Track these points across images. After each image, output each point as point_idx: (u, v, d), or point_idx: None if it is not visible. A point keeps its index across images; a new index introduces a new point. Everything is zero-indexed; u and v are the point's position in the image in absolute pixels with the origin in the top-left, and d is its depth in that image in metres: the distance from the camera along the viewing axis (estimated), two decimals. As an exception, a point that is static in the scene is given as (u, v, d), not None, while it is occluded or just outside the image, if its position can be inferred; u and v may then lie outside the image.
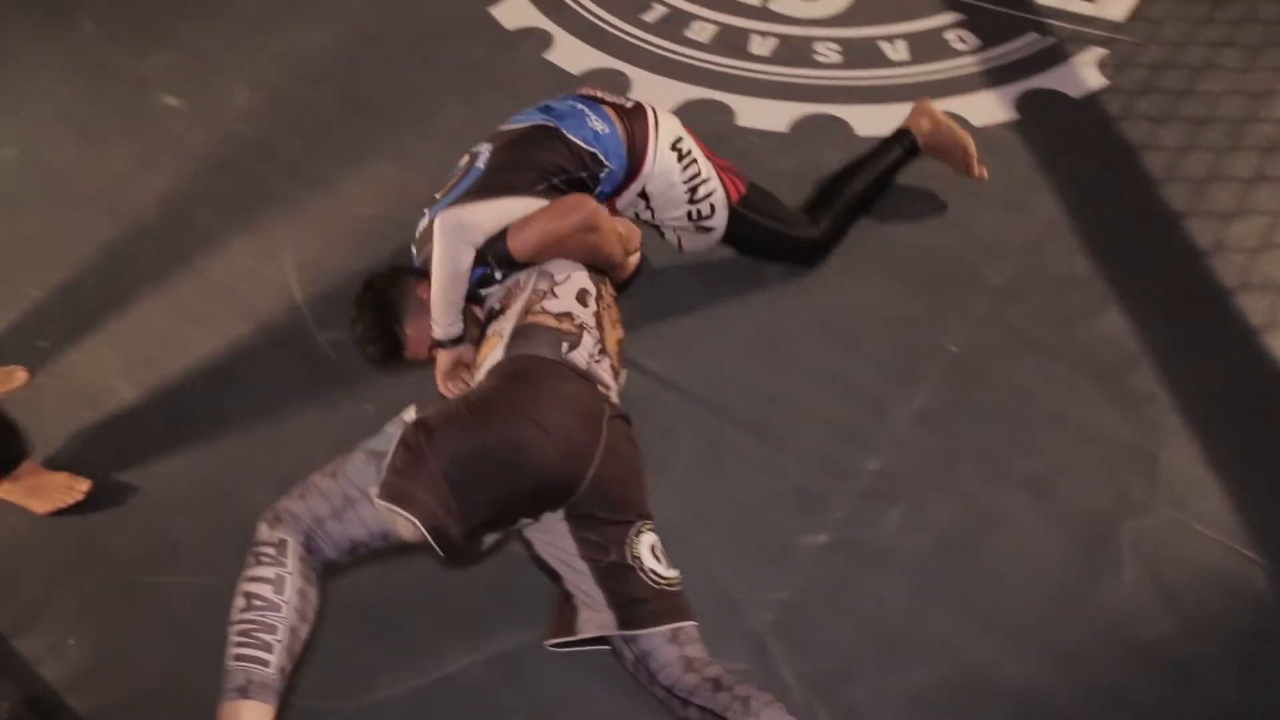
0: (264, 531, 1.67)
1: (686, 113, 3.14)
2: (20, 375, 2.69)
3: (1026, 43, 3.26)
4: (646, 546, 1.92)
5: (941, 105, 3.07)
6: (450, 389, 2.28)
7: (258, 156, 3.18)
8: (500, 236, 2.13)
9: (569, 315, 2.05)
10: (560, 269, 2.15)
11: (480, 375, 2.01)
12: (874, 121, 3.06)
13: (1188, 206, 2.74)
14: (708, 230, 2.51)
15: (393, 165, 3.08)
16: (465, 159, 2.31)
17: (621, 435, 1.97)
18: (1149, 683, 1.95)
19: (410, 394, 2.15)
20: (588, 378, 1.98)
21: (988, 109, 3.07)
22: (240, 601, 1.61)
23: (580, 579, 1.92)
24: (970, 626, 2.05)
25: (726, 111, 3.15)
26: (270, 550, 1.65)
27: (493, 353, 2.01)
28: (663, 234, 2.59)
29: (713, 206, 2.45)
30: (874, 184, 2.70)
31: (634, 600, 1.87)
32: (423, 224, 2.28)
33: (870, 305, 2.60)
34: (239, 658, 1.57)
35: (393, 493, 1.68)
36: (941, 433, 2.35)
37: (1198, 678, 1.94)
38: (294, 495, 1.72)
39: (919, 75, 3.21)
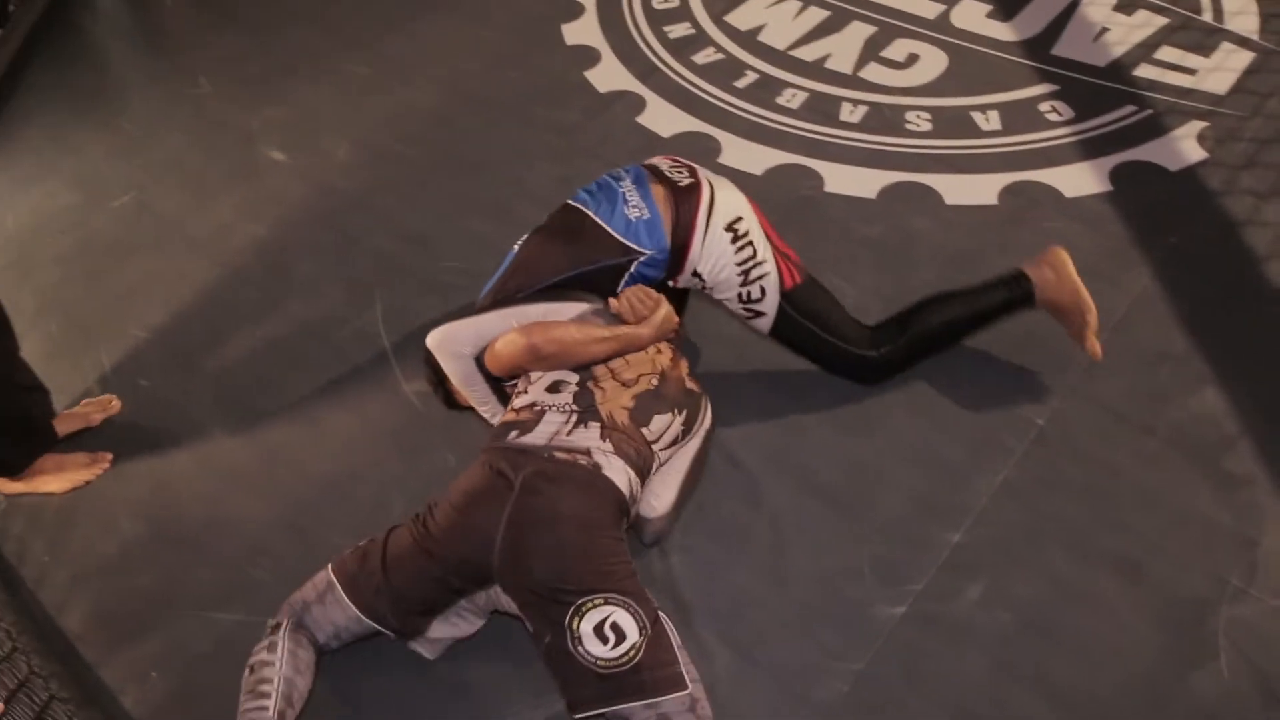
0: (268, 625, 2.05)
1: (775, 177, 3.16)
2: (115, 404, 2.80)
3: (1123, 114, 3.22)
4: (591, 626, 1.83)
5: (1034, 176, 3.05)
6: None
7: (355, 210, 3.29)
8: (482, 356, 2.27)
9: (530, 405, 2.14)
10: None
11: None
12: (963, 191, 3.05)
13: (1291, 284, 2.66)
14: (758, 315, 2.40)
15: (484, 222, 3.15)
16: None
17: (549, 511, 1.92)
18: (1243, 780, 1.86)
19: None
20: (530, 453, 2.00)
21: (1081, 180, 3.03)
22: (245, 673, 1.97)
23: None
24: (1050, 710, 1.98)
25: (815, 177, 3.16)
26: (268, 632, 2.02)
27: None
28: None
29: (763, 290, 2.35)
30: (966, 321, 2.46)
31: (574, 684, 1.84)
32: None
33: (956, 376, 2.56)
34: (246, 712, 1.90)
35: (344, 581, 2.04)
36: (1026, 507, 2.29)
37: (1296, 778, 1.85)
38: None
39: (1011, 145, 3.19)
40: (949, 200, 3.03)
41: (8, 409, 2.52)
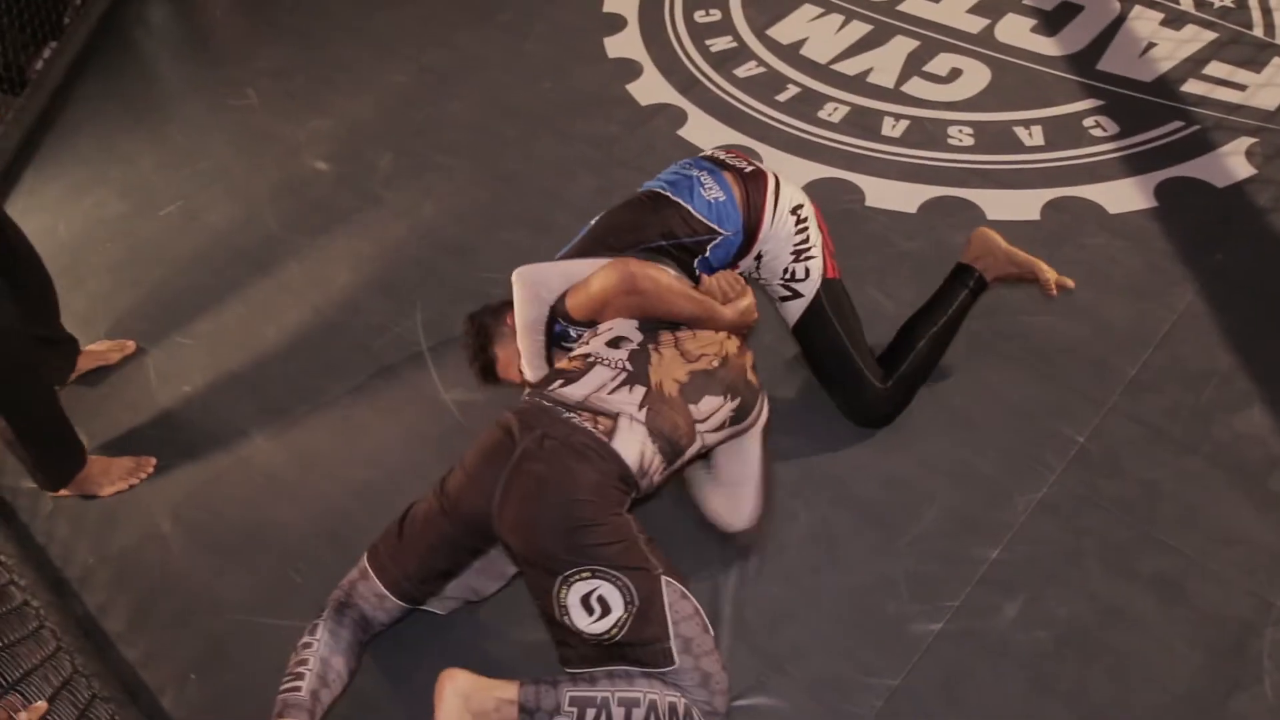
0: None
1: (816, 190, 3.16)
2: (129, 345, 2.98)
3: (1170, 130, 3.19)
4: (577, 597, 1.86)
5: (1077, 192, 3.03)
6: None
7: (397, 220, 3.32)
8: (565, 296, 2.25)
9: (584, 356, 2.11)
10: (616, 323, 2.21)
11: None
12: (1006, 206, 3.03)
13: (1340, 303, 2.62)
14: (795, 295, 2.41)
15: (524, 232, 3.18)
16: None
17: (540, 483, 1.91)
18: (1287, 807, 1.82)
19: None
20: (569, 407, 1.99)
21: (1126, 196, 3.00)
22: (292, 655, 2.02)
23: None
24: (1090, 731, 1.96)
25: (856, 191, 3.15)
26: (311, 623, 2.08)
27: None
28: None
29: (808, 270, 2.38)
30: (945, 330, 2.49)
31: (564, 643, 1.92)
32: None
33: (996, 392, 2.55)
34: (280, 692, 1.95)
35: (372, 556, 2.12)
36: (1065, 525, 2.27)
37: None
38: None
39: (1054, 161, 3.16)
40: (991, 215, 3.01)
41: (53, 431, 2.58)
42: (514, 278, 2.29)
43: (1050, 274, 2.43)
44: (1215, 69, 3.37)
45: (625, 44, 3.91)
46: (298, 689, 1.94)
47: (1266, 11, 3.58)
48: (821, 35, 3.79)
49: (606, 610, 1.84)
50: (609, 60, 3.85)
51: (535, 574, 1.91)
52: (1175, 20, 3.59)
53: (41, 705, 1.85)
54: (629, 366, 2.06)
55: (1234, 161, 3.04)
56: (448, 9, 4.23)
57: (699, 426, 2.06)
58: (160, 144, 3.81)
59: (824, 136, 3.38)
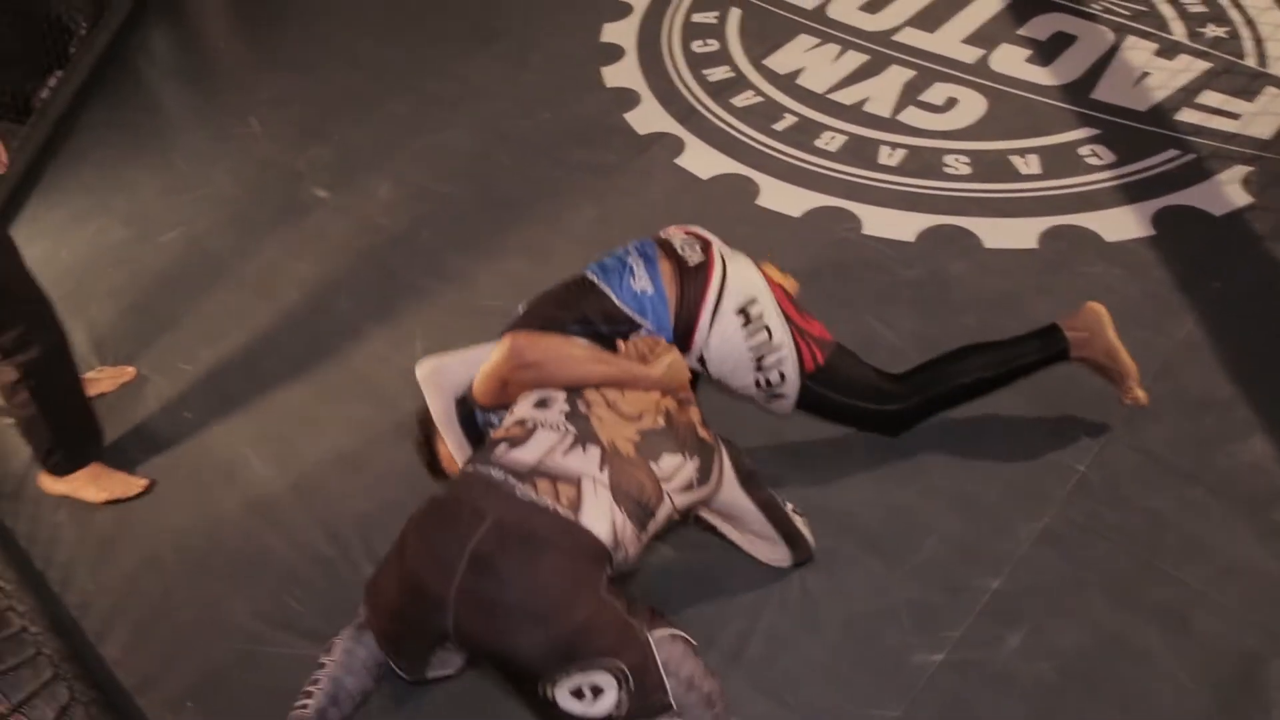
0: None
1: (813, 219, 3.17)
2: (129, 371, 3.01)
3: (1165, 159, 3.21)
4: (566, 691, 1.69)
5: (1075, 220, 3.04)
6: None
7: (396, 248, 3.33)
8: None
9: (519, 422, 1.93)
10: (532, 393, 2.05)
11: None
12: (1003, 234, 3.04)
13: (1339, 332, 2.62)
14: (779, 397, 2.29)
15: (523, 260, 3.18)
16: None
17: (502, 596, 1.69)
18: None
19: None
20: (522, 475, 1.78)
21: (1123, 225, 3.01)
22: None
23: None
24: (1094, 763, 1.95)
25: (854, 220, 3.16)
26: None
27: None
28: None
29: (782, 375, 2.24)
30: (997, 375, 2.39)
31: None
32: None
33: (997, 421, 2.54)
34: (292, 710, 1.95)
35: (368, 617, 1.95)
36: (1067, 555, 2.26)
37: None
38: None
39: (1051, 190, 3.18)
40: (988, 244, 3.02)
41: (76, 413, 2.67)
42: (417, 374, 2.23)
43: (1138, 390, 2.35)
44: (1209, 98, 3.39)
45: (623, 73, 3.94)
46: (305, 707, 1.94)
47: (1258, 41, 3.61)
48: (818, 65, 3.81)
49: (599, 694, 1.70)
50: (607, 89, 3.87)
51: (512, 679, 1.80)
52: (1168, 50, 3.62)
53: None
54: (570, 427, 1.88)
55: (1231, 190, 3.06)
56: (447, 39, 4.25)
57: (665, 486, 1.89)
58: (163, 171, 3.82)
59: (821, 165, 3.40)
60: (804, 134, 3.53)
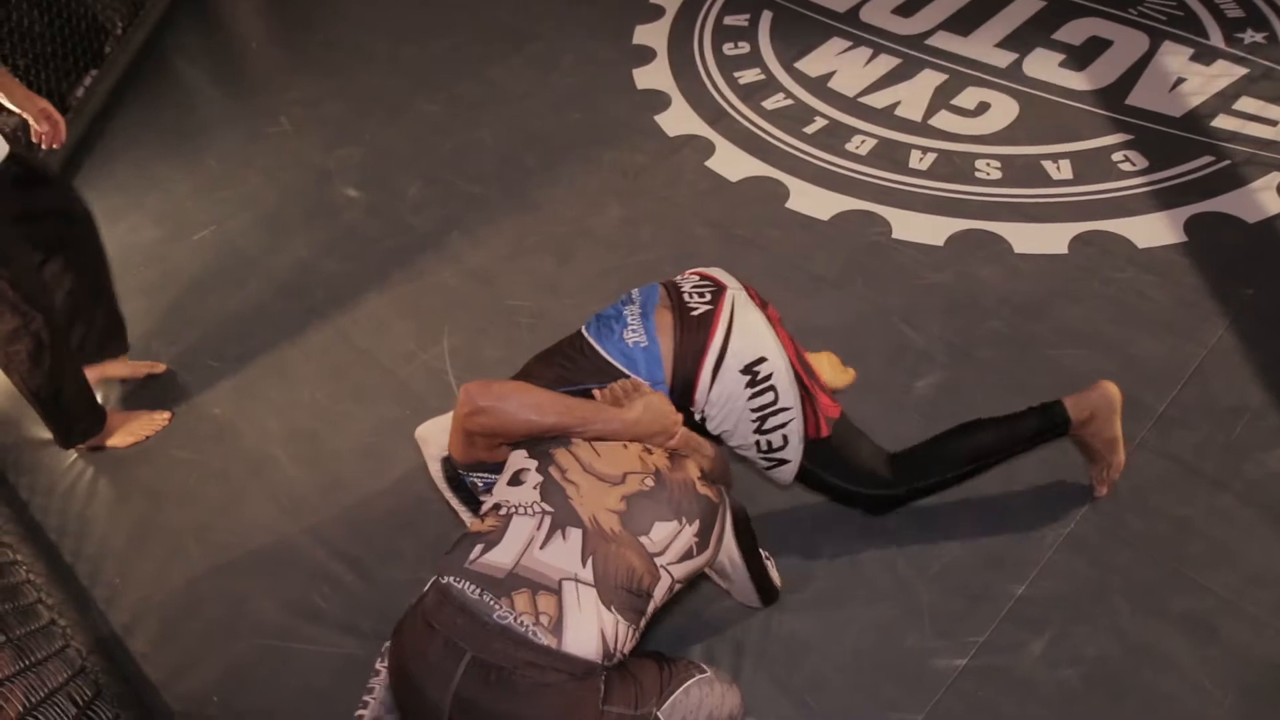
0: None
1: (843, 223, 3.16)
2: (159, 367, 3.08)
3: (1199, 165, 3.17)
4: None
5: (1106, 225, 3.02)
6: None
7: (425, 248, 3.35)
8: None
9: (495, 509, 1.77)
10: (510, 458, 1.89)
11: None
12: (1033, 239, 3.02)
13: (1374, 340, 2.59)
14: (780, 463, 2.11)
15: (550, 261, 3.19)
16: None
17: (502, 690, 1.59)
18: None
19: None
20: (500, 591, 1.63)
21: (1155, 231, 2.99)
22: None
23: None
24: (1118, 771, 1.93)
25: (883, 224, 3.15)
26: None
27: None
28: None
29: (786, 438, 2.06)
30: (994, 454, 2.23)
31: None
32: None
33: (1022, 424, 2.52)
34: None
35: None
36: (1092, 561, 2.24)
37: None
38: None
39: (1083, 195, 3.15)
40: (1018, 249, 3.00)
41: (80, 394, 2.74)
42: (416, 435, 2.16)
43: (1116, 475, 2.30)
44: (1245, 104, 3.35)
45: (654, 75, 3.94)
46: (361, 717, 1.84)
47: (1298, 47, 3.57)
48: (850, 68, 3.81)
49: None
50: (637, 91, 3.88)
51: None
52: (1205, 55, 3.58)
53: None
54: (547, 507, 1.73)
55: (1265, 197, 3.02)
56: (478, 41, 4.28)
57: (659, 560, 1.73)
58: (195, 170, 3.87)
59: (851, 169, 3.39)
60: (834, 137, 3.52)
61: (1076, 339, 2.70)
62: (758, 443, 2.07)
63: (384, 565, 2.46)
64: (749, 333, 2.01)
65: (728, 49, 4.03)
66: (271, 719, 2.21)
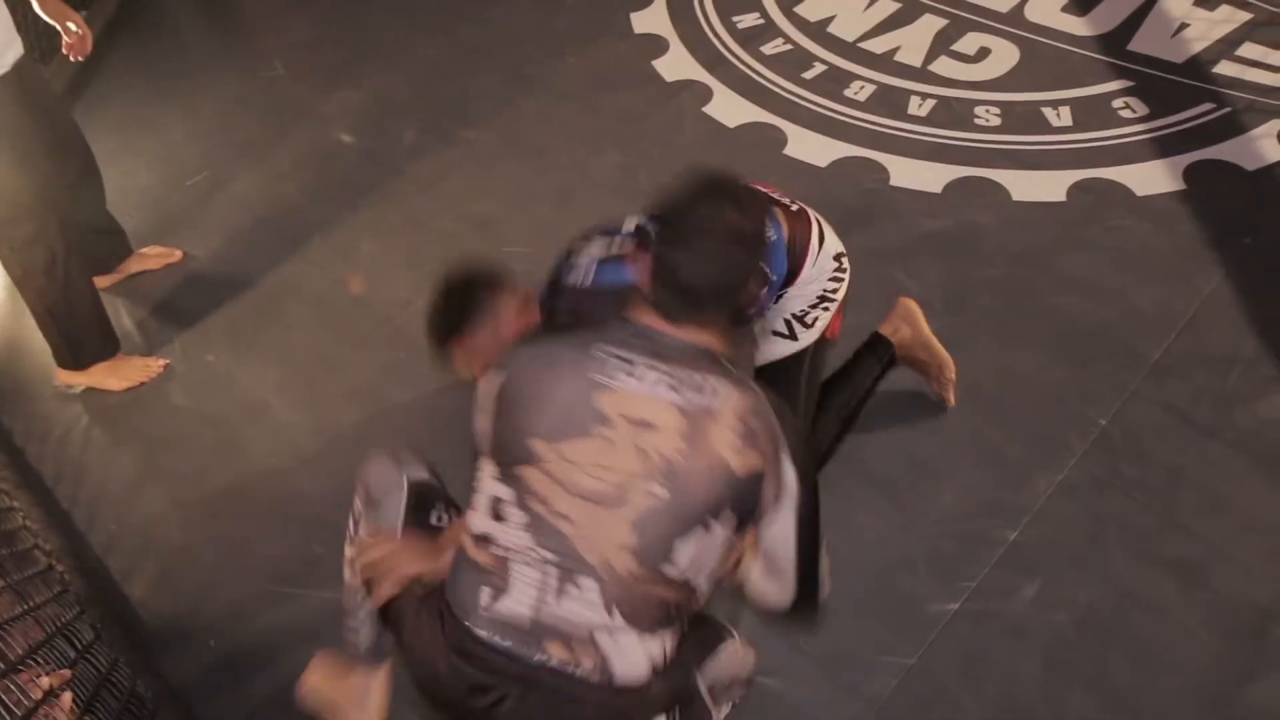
0: None
1: (840, 170, 3.14)
2: (176, 254, 3.19)
3: (1200, 112, 3.15)
4: None
5: (1105, 173, 3.00)
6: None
7: (422, 194, 3.33)
8: None
9: (484, 541, 1.49)
10: (482, 478, 1.55)
11: None
12: (1032, 187, 3.00)
13: (1371, 289, 2.59)
14: (789, 336, 2.15)
15: (549, 206, 3.18)
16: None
17: None
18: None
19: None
20: (527, 638, 1.44)
21: (1154, 178, 2.97)
22: None
23: None
24: (1105, 713, 1.96)
25: (881, 171, 3.13)
26: None
27: None
28: None
29: (816, 320, 2.13)
30: (854, 403, 2.32)
31: None
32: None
33: (1019, 373, 2.53)
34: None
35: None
36: (1085, 508, 2.26)
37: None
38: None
39: (1082, 142, 3.13)
40: (1016, 196, 2.99)
41: (94, 312, 2.76)
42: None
43: (953, 380, 2.41)
44: (1248, 50, 3.32)
45: (652, 20, 3.90)
46: (354, 641, 1.83)
47: (1304, -7, 3.52)
48: (849, 13, 3.76)
49: None
50: (635, 36, 3.83)
51: None
52: (1209, 0, 3.54)
53: (65, 673, 1.87)
54: (548, 555, 1.44)
55: (1266, 144, 3.00)
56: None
57: (695, 580, 1.47)
58: (190, 114, 3.83)
59: (849, 115, 3.36)
60: (833, 83, 3.49)
61: (1074, 286, 2.70)
62: (790, 318, 2.12)
63: (382, 510, 2.47)
64: (830, 231, 2.13)
65: (726, -8, 3.97)
66: (268, 663, 2.23)
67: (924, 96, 3.38)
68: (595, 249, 2.01)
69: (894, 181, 3.10)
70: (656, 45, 3.77)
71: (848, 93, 3.45)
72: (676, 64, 3.68)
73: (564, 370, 1.48)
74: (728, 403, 1.43)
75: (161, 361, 2.90)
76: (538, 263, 2.97)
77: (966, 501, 2.31)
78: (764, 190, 2.10)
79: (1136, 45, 3.42)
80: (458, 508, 1.79)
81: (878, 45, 3.61)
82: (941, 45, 3.56)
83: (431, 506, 1.77)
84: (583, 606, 1.42)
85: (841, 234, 2.17)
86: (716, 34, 3.79)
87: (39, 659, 1.85)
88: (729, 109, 3.45)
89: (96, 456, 2.74)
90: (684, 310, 1.49)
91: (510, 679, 1.45)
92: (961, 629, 2.10)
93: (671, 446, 1.41)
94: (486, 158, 3.43)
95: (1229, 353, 2.51)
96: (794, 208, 2.11)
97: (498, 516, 1.48)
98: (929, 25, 3.64)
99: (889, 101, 3.38)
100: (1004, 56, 3.48)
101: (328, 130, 3.65)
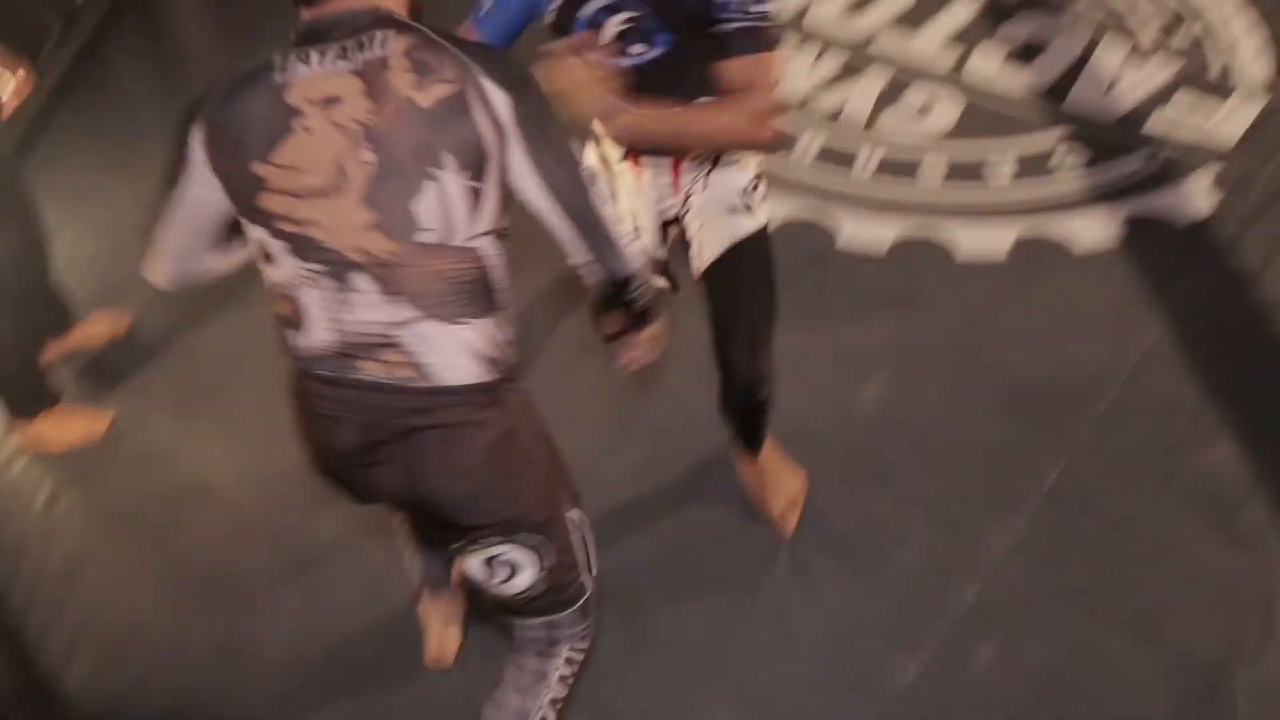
0: None
1: (788, 227, 3.12)
2: (125, 321, 3.11)
3: (1135, 165, 3.22)
4: (478, 560, 1.60)
5: (1045, 226, 3.05)
6: None
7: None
8: None
9: (275, 288, 1.53)
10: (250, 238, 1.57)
11: None
12: (975, 240, 3.04)
13: (1305, 337, 2.65)
14: (747, 210, 1.99)
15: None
16: None
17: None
18: None
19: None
20: (339, 358, 1.48)
21: (1092, 230, 3.03)
22: None
23: None
24: (1064, 774, 1.97)
25: (827, 229, 3.15)
26: None
27: None
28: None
29: (759, 187, 2.02)
30: None
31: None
32: None
33: (967, 430, 2.56)
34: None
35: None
36: (1039, 565, 2.28)
37: None
38: None
39: (1023, 196, 3.19)
40: (962, 251, 3.03)
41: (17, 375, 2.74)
42: None
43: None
44: (1178, 104, 3.41)
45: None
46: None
47: (1226, 49, 3.62)
48: (796, 69, 3.79)
49: (513, 572, 1.58)
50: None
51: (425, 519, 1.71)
52: (1139, 57, 3.62)
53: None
54: (312, 266, 1.45)
55: (1198, 196, 3.08)
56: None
57: (457, 241, 1.43)
58: (137, 181, 3.67)
59: (794, 177, 3.37)
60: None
61: (1017, 343, 2.73)
62: (740, 192, 1.95)
63: (328, 592, 2.43)
64: None
65: (673, 51, 3.99)
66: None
67: (870, 150, 3.41)
68: None
69: (841, 238, 3.10)
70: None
71: (794, 151, 3.46)
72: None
73: (249, 92, 1.46)
74: (396, 46, 1.40)
75: (108, 414, 2.87)
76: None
77: (920, 562, 2.32)
78: None
79: (1072, 99, 3.48)
80: None
81: (824, 102, 3.63)
82: (886, 101, 3.59)
83: None
84: (368, 309, 1.43)
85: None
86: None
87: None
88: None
89: (38, 533, 2.67)
90: None
91: (355, 410, 1.49)
92: (920, 697, 2.11)
93: (361, 109, 1.39)
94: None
95: (1172, 403, 2.55)
96: None
97: (268, 258, 1.49)
98: (874, 81, 3.68)
99: (835, 158, 3.40)
100: (947, 111, 3.53)
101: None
